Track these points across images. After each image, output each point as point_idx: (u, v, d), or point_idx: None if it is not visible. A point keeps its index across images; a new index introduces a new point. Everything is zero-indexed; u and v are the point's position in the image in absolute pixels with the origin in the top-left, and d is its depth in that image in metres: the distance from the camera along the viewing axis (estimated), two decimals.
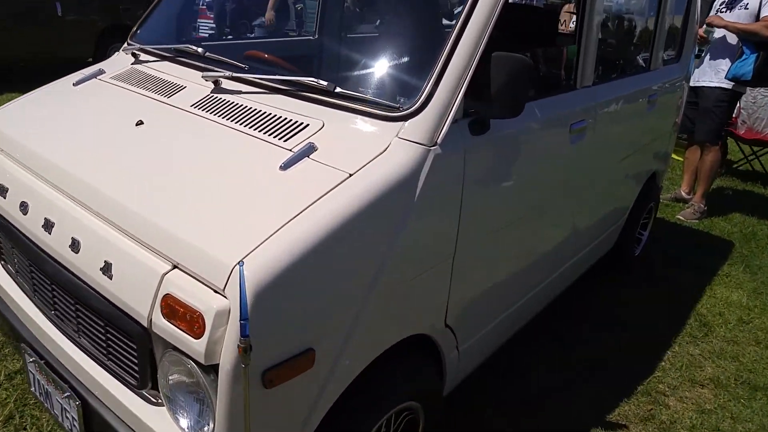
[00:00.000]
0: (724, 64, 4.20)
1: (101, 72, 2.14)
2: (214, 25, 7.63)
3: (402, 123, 1.53)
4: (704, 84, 4.34)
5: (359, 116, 1.58)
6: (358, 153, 1.48)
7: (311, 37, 3.14)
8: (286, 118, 1.63)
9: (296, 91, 1.69)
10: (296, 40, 3.15)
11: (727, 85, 4.21)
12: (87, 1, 7.25)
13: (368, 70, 1.78)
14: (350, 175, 1.41)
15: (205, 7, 8.07)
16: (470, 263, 1.78)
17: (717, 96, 4.28)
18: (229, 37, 7.09)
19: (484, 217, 1.78)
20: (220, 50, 2.06)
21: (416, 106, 1.54)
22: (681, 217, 4.51)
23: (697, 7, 3.50)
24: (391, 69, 1.77)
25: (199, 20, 8.40)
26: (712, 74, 4.29)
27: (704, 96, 4.34)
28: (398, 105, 1.56)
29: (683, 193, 4.82)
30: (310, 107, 1.65)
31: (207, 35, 7.81)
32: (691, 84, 4.26)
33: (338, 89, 1.63)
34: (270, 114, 1.66)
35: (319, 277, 1.27)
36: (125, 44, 2.32)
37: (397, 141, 1.51)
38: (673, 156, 4.48)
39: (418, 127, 1.52)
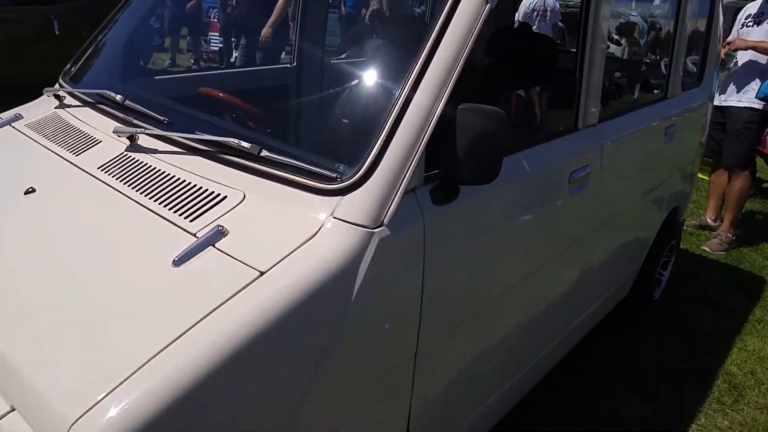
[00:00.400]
0: (754, 83, 3.80)
1: (18, 117, 1.85)
2: (221, 40, 7.40)
3: (339, 198, 1.20)
4: (732, 104, 3.94)
5: (288, 187, 1.25)
6: (279, 239, 1.15)
7: (288, 65, 2.83)
8: (201, 188, 1.30)
9: (218, 153, 1.37)
10: (268, 70, 2.83)
11: (758, 105, 3.82)
12: (83, 20, 7.10)
13: (306, 128, 1.45)
14: (261, 274, 1.08)
15: (216, 20, 7.88)
16: (440, 357, 1.44)
17: (747, 117, 3.88)
18: (240, 51, 6.82)
19: (455, 301, 1.44)
20: (175, 86, 1.75)
21: (357, 176, 1.20)
22: (706, 248, 4.09)
23: (719, 22, 3.11)
24: (333, 127, 1.43)
25: (210, 33, 8.20)
26: (740, 94, 3.89)
27: (732, 117, 3.94)
28: (336, 174, 1.23)
29: (709, 221, 4.40)
30: (234, 173, 1.32)
31: (216, 48, 7.59)
32: (717, 103, 3.86)
33: (264, 152, 1.30)
34: (184, 182, 1.34)
35: (203, 426, 0.94)
36: (57, 84, 2.03)
37: (332, 222, 1.18)
38: (699, 175, 4.08)
39: (359, 203, 1.19)
